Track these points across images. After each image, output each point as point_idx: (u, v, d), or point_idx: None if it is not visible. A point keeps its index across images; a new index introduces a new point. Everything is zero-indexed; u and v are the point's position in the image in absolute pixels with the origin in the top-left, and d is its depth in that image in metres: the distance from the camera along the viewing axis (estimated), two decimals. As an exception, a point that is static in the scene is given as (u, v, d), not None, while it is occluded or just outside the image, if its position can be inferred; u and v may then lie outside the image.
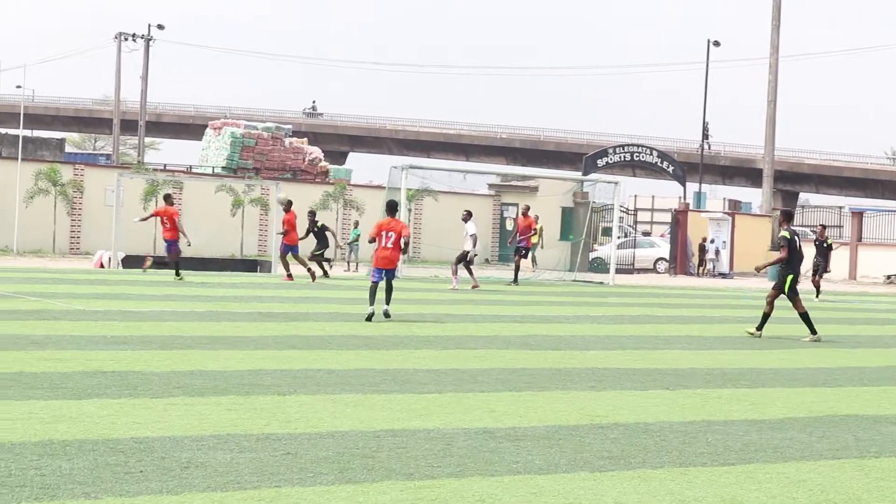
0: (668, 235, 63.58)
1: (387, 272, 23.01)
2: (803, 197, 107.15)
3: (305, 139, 68.20)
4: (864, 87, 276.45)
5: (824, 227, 40.56)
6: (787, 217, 23.76)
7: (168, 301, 24.82)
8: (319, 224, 37.74)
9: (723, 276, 56.56)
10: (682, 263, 57.95)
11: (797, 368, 17.73)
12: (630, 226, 67.90)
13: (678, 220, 58.81)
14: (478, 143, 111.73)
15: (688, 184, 65.87)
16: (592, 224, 50.89)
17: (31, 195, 47.54)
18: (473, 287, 34.15)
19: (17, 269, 33.81)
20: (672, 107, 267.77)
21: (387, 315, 22.82)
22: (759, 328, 22.85)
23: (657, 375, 16.02)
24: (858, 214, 63.95)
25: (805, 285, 25.45)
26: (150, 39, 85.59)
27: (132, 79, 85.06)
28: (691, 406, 13.31)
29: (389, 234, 22.79)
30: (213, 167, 60.01)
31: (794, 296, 22.72)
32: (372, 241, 23.30)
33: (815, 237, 38.73)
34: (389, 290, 23.02)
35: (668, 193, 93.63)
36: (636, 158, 61.22)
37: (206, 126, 67.46)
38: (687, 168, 67.62)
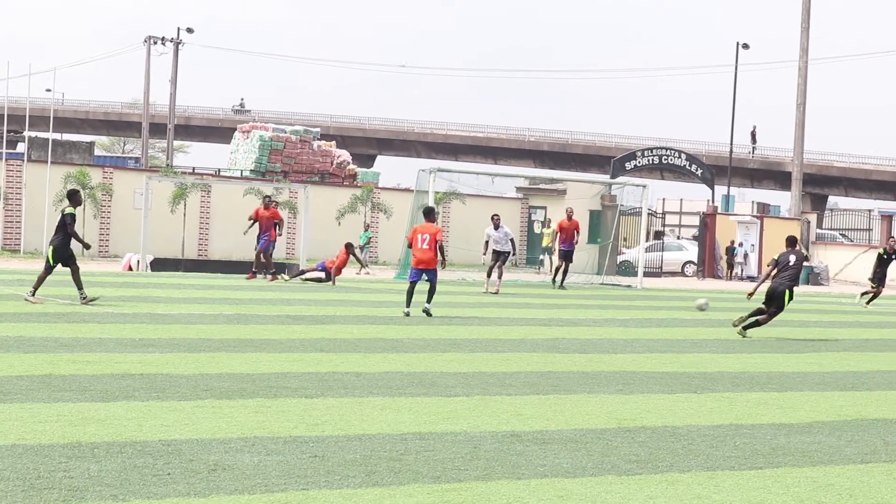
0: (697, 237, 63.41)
1: (426, 272, 24.80)
2: (832, 200, 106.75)
3: (333, 142, 68.27)
4: (893, 89, 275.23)
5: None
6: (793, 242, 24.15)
7: (196, 304, 24.88)
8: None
9: (751, 279, 56.37)
10: (711, 267, 57.78)
11: (825, 372, 17.68)
12: (669, 228, 67.54)
13: (706, 224, 58.64)
14: (506, 147, 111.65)
15: (716, 187, 65.67)
16: (620, 227, 50.75)
17: (60, 198, 47.69)
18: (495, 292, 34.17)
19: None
20: (701, 109, 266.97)
21: (427, 314, 24.27)
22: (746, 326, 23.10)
23: (685, 379, 15.99)
24: (888, 217, 63.63)
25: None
26: (179, 43, 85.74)
27: (161, 82, 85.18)
28: (719, 409, 13.28)
29: (424, 237, 24.78)
30: (242, 170, 60.15)
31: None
32: (410, 245, 25.35)
33: (883, 249, 37.70)
34: (432, 290, 24.72)
35: (696, 196, 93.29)
36: (664, 161, 61.03)
37: (234, 129, 67.63)
38: (715, 171, 67.41)
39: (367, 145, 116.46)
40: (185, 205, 49.03)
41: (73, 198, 24.31)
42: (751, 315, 23.36)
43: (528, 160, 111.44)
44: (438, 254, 24.96)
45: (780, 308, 23.24)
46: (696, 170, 61.59)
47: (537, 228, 58.98)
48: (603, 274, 44.68)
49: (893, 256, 37.10)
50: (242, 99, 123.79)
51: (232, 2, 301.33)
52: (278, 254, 49.78)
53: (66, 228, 23.57)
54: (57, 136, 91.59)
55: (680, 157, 61.77)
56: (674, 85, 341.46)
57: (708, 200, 65.91)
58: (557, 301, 32.00)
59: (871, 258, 61.20)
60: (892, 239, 39.51)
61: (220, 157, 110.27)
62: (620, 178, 54.12)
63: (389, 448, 10.13)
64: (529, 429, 11.41)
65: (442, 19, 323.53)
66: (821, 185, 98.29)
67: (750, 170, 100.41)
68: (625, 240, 54.16)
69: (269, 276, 35.63)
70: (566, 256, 38.43)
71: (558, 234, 38.96)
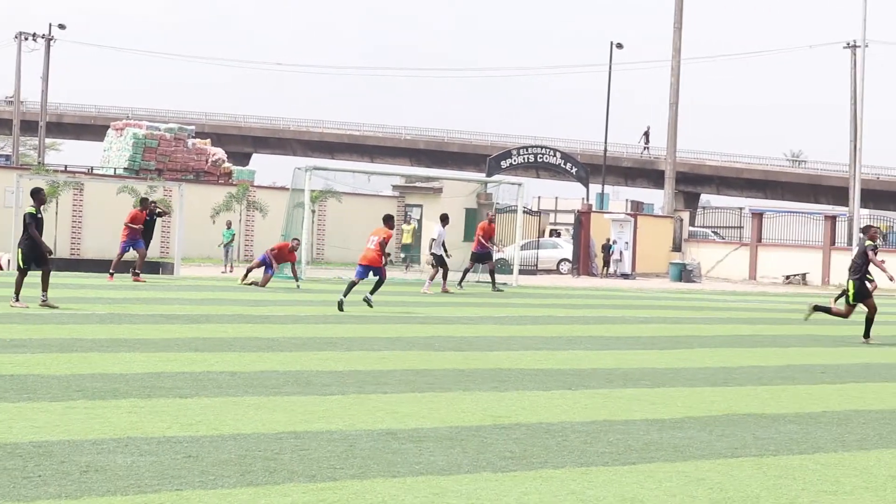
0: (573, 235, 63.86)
1: (372, 269, 27.07)
2: (704, 198, 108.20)
3: (209, 140, 67.69)
4: (764, 90, 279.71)
5: None
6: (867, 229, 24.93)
7: (69, 303, 24.55)
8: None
9: (625, 276, 56.96)
10: (585, 264, 58.27)
11: (697, 368, 17.90)
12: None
13: (581, 222, 59.13)
14: (382, 145, 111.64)
15: (591, 185, 66.24)
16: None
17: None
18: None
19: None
20: (577, 108, 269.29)
21: (368, 302, 26.71)
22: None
23: (559, 376, 16.10)
24: (758, 215, 64.74)
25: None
26: (51, 39, 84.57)
27: (33, 79, 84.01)
28: (593, 406, 13.40)
29: (373, 238, 27.24)
30: (115, 168, 59.43)
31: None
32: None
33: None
34: (378, 283, 27.22)
35: (571, 195, 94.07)
36: (540, 160, 61.41)
37: (107, 127, 66.79)
38: (590, 169, 68.00)
39: (243, 143, 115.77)
40: (56, 203, 48.35)
41: (35, 196, 23.58)
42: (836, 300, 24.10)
43: (405, 158, 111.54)
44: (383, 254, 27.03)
45: (849, 301, 24.16)
46: (571, 168, 62.07)
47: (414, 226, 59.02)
48: (479, 272, 44.80)
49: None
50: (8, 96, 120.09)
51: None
52: (153, 252, 49.31)
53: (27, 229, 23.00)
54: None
55: (555, 155, 62.21)
56: (551, 84, 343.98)
57: (583, 199, 66.48)
58: (433, 299, 32.07)
59: (742, 255, 62.27)
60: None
61: (94, 154, 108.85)
62: (496, 177, 54.33)
63: (264, 447, 10.09)
64: (405, 427, 11.42)
65: (319, 17, 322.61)
66: (693, 184, 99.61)
67: (624, 168, 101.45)
68: (500, 241, 54.35)
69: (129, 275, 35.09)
70: (481, 258, 38.80)
71: (478, 236, 39.09)
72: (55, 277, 32.67)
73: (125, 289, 30.39)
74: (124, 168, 58.64)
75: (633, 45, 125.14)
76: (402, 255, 51.98)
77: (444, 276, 36.70)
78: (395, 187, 62.98)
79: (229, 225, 45.74)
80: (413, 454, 10.09)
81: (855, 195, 61.66)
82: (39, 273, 23.31)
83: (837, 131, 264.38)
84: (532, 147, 63.08)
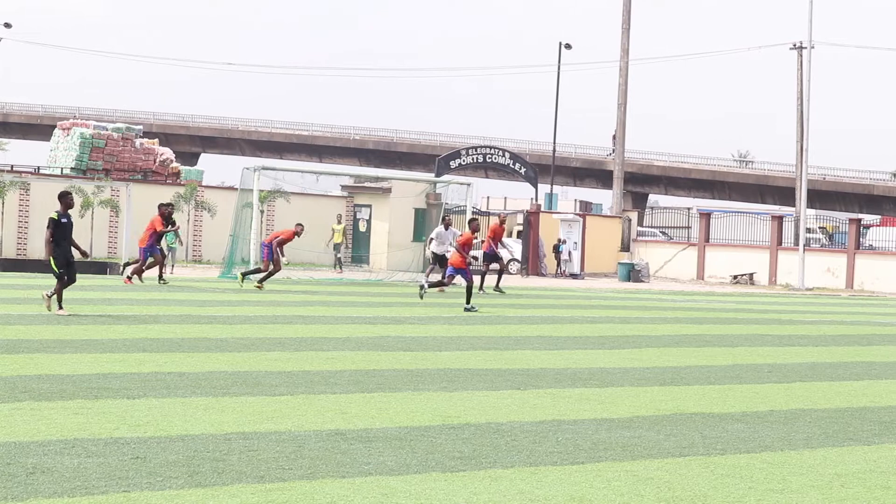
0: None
1: (458, 271, 29.57)
2: (653, 198, 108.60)
3: (156, 140, 67.29)
4: (712, 91, 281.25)
5: None
6: None
7: (14, 304, 24.39)
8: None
9: (574, 276, 57.09)
10: (534, 264, 58.37)
11: (646, 368, 17.98)
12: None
13: (530, 222, 59.21)
14: (331, 145, 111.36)
15: (540, 185, 66.35)
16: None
17: None
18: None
19: None
20: (526, 109, 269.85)
21: (470, 309, 28.13)
22: None
23: (509, 375, 16.13)
24: (706, 215, 64.98)
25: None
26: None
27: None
28: (542, 406, 13.43)
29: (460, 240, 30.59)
30: (62, 168, 58.98)
31: None
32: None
33: None
34: (467, 291, 28.92)
35: (520, 195, 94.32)
36: (489, 160, 61.47)
37: (54, 126, 66.31)
38: (539, 169, 68.12)
39: (191, 143, 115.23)
40: (2, 203, 48.00)
41: (61, 200, 22.90)
42: None
43: (354, 158, 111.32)
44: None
45: None
46: (520, 168, 62.16)
47: (362, 227, 58.91)
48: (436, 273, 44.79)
49: None
50: None
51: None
52: (99, 252, 49.07)
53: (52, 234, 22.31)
54: None
55: (504, 155, 62.27)
56: (500, 84, 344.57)
57: (532, 199, 66.57)
58: (382, 299, 32.03)
59: (690, 255, 62.58)
60: None
61: (40, 154, 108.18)
62: (445, 177, 54.32)
63: (213, 448, 10.05)
64: (354, 427, 11.41)
65: (267, 18, 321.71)
66: (642, 184, 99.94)
67: (573, 168, 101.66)
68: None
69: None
70: (490, 259, 38.86)
71: (489, 238, 39.11)
72: (1, 278, 32.41)
73: (72, 289, 30.19)
74: (71, 168, 58.18)
75: (584, 45, 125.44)
76: (338, 256, 51.49)
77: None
78: (343, 187, 62.78)
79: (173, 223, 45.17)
80: (362, 455, 10.08)
81: (802, 195, 62.00)
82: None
83: (784, 132, 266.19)
84: (481, 147, 63.11)
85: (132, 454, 9.65)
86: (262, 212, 36.15)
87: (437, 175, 56.11)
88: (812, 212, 76.96)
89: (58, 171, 57.95)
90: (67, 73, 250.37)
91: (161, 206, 35.41)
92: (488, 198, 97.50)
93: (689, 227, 69.71)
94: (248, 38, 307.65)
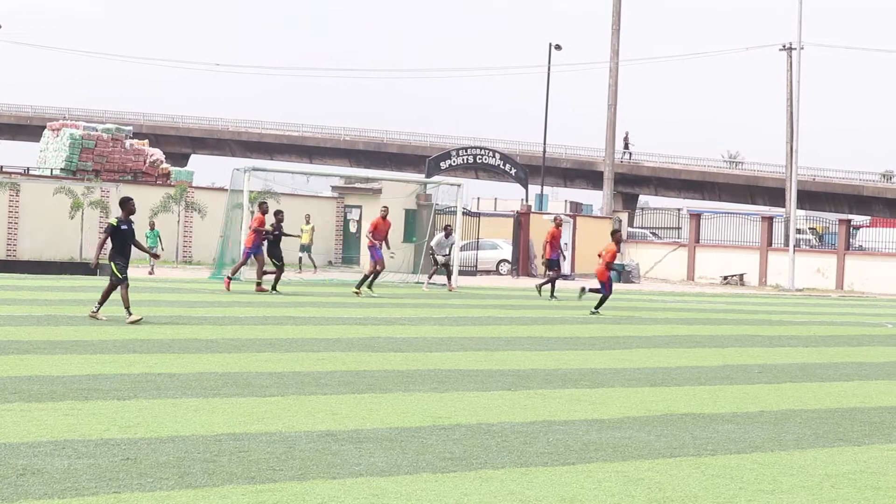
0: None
1: (601, 283, 30.79)
2: (643, 199, 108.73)
3: (146, 141, 67.24)
4: (702, 92, 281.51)
5: None
6: None
7: (5, 305, 24.35)
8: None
9: (564, 277, 57.08)
10: (525, 265, 58.37)
11: (636, 368, 17.99)
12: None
13: (520, 223, 59.22)
14: (321, 146, 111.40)
15: (530, 186, 66.36)
16: (435, 226, 50.90)
17: None
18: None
19: None
20: (516, 109, 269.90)
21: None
22: None
23: (499, 376, 16.13)
24: (696, 216, 65.04)
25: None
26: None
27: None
28: (533, 406, 13.43)
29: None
30: (52, 169, 58.95)
31: None
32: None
33: None
34: (602, 298, 30.43)
35: (510, 196, 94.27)
36: (479, 161, 61.48)
37: (44, 127, 66.25)
38: (529, 170, 68.14)
39: (181, 144, 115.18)
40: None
41: (122, 206, 22.50)
42: None
43: (344, 159, 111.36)
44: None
45: None
46: (510, 169, 62.19)
47: (353, 227, 58.90)
48: (419, 273, 44.82)
49: None
50: None
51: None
52: (88, 253, 48.99)
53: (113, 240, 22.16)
54: None
55: (494, 156, 62.30)
56: (491, 85, 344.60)
57: (522, 199, 66.57)
58: (372, 300, 32.00)
59: (680, 256, 62.62)
60: None
61: (30, 155, 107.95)
62: (435, 178, 54.30)
63: (203, 449, 10.04)
64: (344, 428, 11.41)
65: (257, 19, 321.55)
66: (632, 185, 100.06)
67: (563, 169, 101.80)
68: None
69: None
70: (551, 265, 38.38)
71: (547, 243, 38.72)
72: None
73: (62, 290, 30.17)
74: (61, 169, 58.15)
75: (574, 46, 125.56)
76: (300, 256, 51.14)
77: (448, 276, 40.27)
78: (334, 188, 62.77)
79: (153, 226, 45.07)
80: (353, 455, 10.08)
81: (791, 196, 62.05)
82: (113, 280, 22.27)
83: (774, 133, 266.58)
84: (471, 148, 63.14)
85: (122, 455, 9.64)
86: (252, 213, 36.05)
87: (428, 176, 56.10)
88: (802, 212, 77.04)
89: (47, 172, 57.91)
90: (57, 73, 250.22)
91: (272, 210, 34.80)
92: (479, 199, 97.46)
93: (679, 228, 69.77)
94: (237, 39, 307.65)
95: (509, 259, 58.95)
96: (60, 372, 14.51)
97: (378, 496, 8.66)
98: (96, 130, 60.51)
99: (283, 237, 34.13)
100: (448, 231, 40.24)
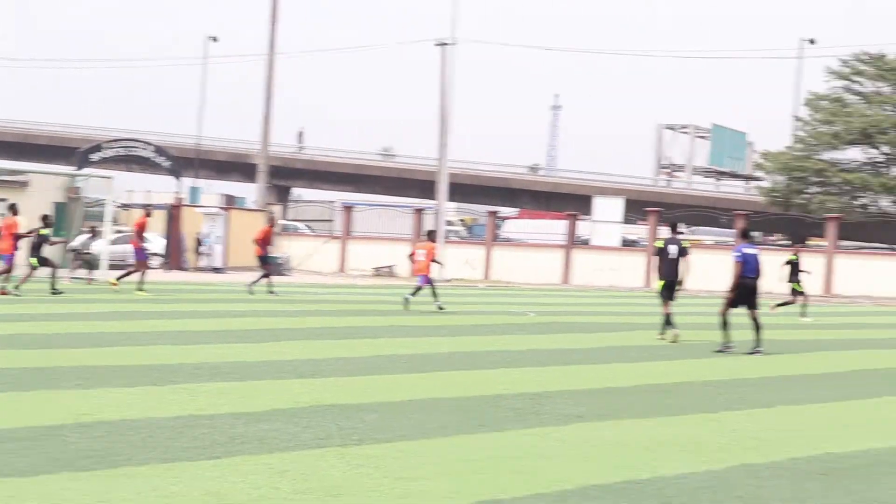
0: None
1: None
2: (297, 192, 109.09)
3: None
4: (360, 86, 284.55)
5: None
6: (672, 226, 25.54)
7: None
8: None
9: (216, 270, 56.74)
10: (177, 258, 57.74)
11: (286, 360, 18.01)
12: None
13: (173, 215, 58.56)
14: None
15: (183, 178, 65.73)
16: (84, 219, 49.80)
17: None
18: None
19: None
20: (173, 101, 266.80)
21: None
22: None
23: (146, 371, 15.92)
24: (349, 209, 65.71)
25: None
26: None
27: None
28: (179, 401, 13.31)
29: (421, 251, 32.77)
30: None
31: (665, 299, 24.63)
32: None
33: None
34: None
35: (165, 188, 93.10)
36: (132, 153, 60.67)
37: None
38: (184, 163, 67.49)
39: None
40: None
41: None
42: None
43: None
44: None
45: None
46: (164, 161, 61.51)
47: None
48: (69, 267, 43.73)
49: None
50: None
51: None
52: None
53: None
54: None
55: (147, 148, 61.54)
56: (144, 76, 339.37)
57: (175, 192, 65.92)
58: (25, 296, 31.04)
59: (333, 248, 63.08)
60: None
61: None
62: (86, 170, 53.17)
63: None
64: (-18, 428, 11.08)
65: None
66: (287, 178, 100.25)
67: (217, 162, 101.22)
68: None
69: None
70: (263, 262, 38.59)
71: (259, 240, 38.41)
72: None
73: None
74: None
75: (233, 38, 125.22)
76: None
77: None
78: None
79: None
80: (-11, 456, 9.81)
81: (442, 188, 63.29)
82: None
83: (429, 127, 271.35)
84: (123, 140, 62.25)
85: None
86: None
87: (78, 168, 54.90)
88: (453, 205, 78.83)
89: None
90: None
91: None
92: (131, 191, 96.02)
93: (331, 220, 70.33)
94: None
95: (161, 252, 58.21)
96: None
97: (16, 498, 8.45)
98: None
99: None
100: (94, 232, 40.38)
